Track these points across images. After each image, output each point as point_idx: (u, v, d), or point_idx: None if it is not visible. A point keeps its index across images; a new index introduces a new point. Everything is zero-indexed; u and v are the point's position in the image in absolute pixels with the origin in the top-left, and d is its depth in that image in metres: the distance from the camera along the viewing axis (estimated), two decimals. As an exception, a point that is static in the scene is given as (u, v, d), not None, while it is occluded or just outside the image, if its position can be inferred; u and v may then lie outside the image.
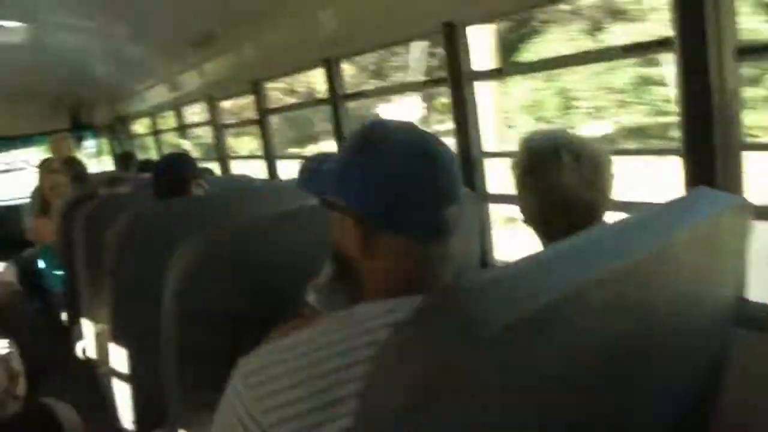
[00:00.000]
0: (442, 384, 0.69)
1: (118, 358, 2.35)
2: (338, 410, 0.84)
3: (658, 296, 0.94)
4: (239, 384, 0.88)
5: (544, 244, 1.41)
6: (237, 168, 4.46)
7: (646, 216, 1.02)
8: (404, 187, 0.92)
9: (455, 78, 2.09)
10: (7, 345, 2.97)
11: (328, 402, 0.84)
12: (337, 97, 2.85)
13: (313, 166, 1.08)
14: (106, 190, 3.47)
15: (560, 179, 1.37)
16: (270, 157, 3.64)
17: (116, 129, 6.77)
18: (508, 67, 2.16)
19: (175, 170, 2.49)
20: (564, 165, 1.37)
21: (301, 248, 1.65)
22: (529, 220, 1.45)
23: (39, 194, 4.30)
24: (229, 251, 1.56)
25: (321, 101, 3.08)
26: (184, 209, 2.29)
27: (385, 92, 3.02)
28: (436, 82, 2.34)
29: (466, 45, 2.09)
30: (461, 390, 0.71)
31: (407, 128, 0.98)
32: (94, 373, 3.17)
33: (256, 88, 3.59)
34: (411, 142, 0.94)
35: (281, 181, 3.60)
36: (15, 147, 7.96)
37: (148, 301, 2.20)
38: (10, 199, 7.88)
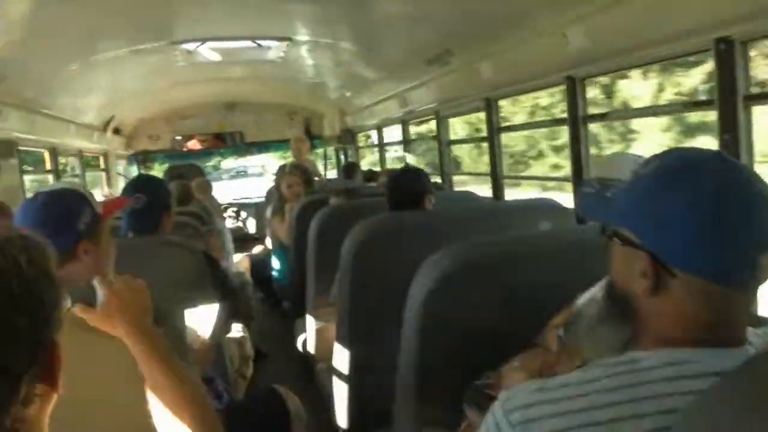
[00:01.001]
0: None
1: (341, 357, 2.45)
2: None
3: None
4: (501, 419, 0.84)
5: None
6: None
7: None
8: (712, 226, 0.81)
9: (727, 100, 1.87)
10: (241, 330, 3.26)
11: None
12: (577, 118, 2.72)
13: (594, 191, 1.00)
14: (337, 197, 3.69)
15: None
16: (497, 176, 3.61)
17: (343, 140, 7.23)
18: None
19: (411, 184, 2.59)
20: None
21: (551, 274, 1.59)
22: None
23: (277, 195, 4.69)
24: (479, 268, 1.53)
25: (559, 121, 2.98)
26: (418, 222, 2.34)
27: (634, 114, 2.80)
28: (699, 104, 2.11)
29: (744, 63, 1.86)
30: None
31: (717, 159, 0.87)
32: (312, 367, 3.36)
33: (488, 106, 3.59)
34: (722, 176, 0.83)
35: (509, 201, 3.55)
36: (252, 152, 8.85)
37: (377, 307, 2.28)
38: (246, 198, 8.77)
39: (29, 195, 3.99)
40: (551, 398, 0.82)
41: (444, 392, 1.57)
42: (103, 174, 6.65)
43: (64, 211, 1.52)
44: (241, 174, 13.96)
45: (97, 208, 1.60)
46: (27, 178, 4.32)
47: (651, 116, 2.90)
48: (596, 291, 1.40)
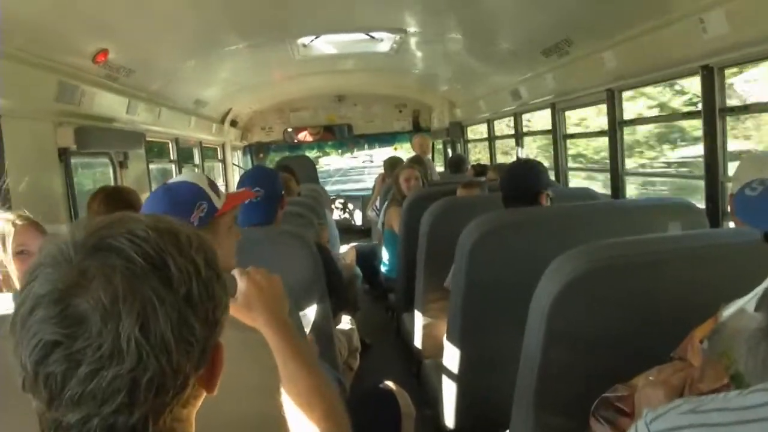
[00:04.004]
0: None
1: (451, 354, 2.40)
2: None
3: None
4: None
5: None
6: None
7: None
8: None
9: None
10: (349, 322, 3.27)
11: None
12: (714, 111, 2.51)
13: (757, 195, 0.89)
14: (464, 189, 3.64)
15: None
16: (618, 173, 3.41)
17: (452, 133, 7.14)
18: None
19: (528, 180, 2.49)
20: None
21: (685, 280, 1.48)
22: None
23: (392, 185, 4.68)
24: (607, 273, 1.43)
25: (691, 114, 2.76)
26: (537, 219, 2.25)
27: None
28: None
29: None
30: None
31: None
32: (418, 363, 3.32)
33: (610, 98, 3.39)
34: None
35: (632, 200, 3.34)
36: (360, 146, 8.93)
37: (492, 305, 2.21)
38: (354, 191, 8.89)
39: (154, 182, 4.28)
40: (706, 422, 0.73)
41: (565, 399, 1.49)
42: (220, 164, 6.94)
43: (179, 203, 1.56)
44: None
45: (216, 202, 1.63)
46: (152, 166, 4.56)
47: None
48: (745, 302, 1.27)
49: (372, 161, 13.63)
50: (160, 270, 0.64)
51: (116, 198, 2.56)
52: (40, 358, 0.61)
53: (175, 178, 1.72)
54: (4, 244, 1.77)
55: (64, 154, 2.98)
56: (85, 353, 0.60)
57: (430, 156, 6.97)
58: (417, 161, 5.35)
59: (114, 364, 0.60)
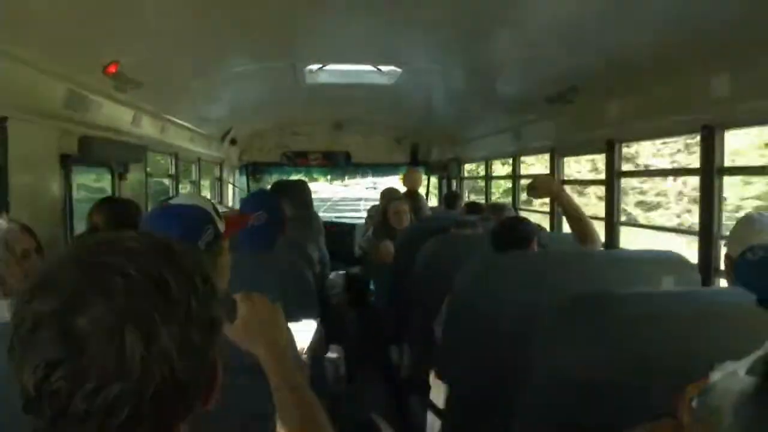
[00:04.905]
0: None
1: (439, 392, 2.39)
2: None
3: None
4: None
5: None
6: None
7: None
8: None
9: None
10: (336, 351, 3.26)
11: None
12: (711, 170, 2.55)
13: (757, 259, 0.91)
14: (458, 229, 3.65)
15: None
16: (612, 223, 3.45)
17: (448, 169, 7.18)
18: None
19: (517, 228, 2.62)
20: None
21: (680, 338, 1.49)
22: None
23: (382, 217, 4.69)
24: (610, 322, 1.45)
25: (689, 171, 2.80)
26: (529, 263, 2.30)
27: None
28: None
29: None
30: None
31: None
32: (405, 396, 3.31)
33: (610, 148, 3.44)
34: None
35: (626, 250, 3.37)
36: (356, 174, 8.91)
37: (486, 347, 2.22)
38: (347, 219, 8.88)
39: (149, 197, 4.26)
40: None
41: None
42: (217, 182, 6.94)
43: (189, 226, 1.52)
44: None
45: (220, 226, 1.62)
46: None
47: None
48: (740, 366, 1.28)
49: (375, 188, 12.87)
50: (159, 286, 0.64)
51: (118, 210, 2.54)
52: (44, 376, 0.61)
53: (180, 199, 1.67)
54: (6, 248, 1.76)
55: (65, 162, 2.98)
56: (90, 370, 0.60)
57: (421, 190, 6.96)
58: (410, 195, 5.38)
59: (119, 379, 0.61)
